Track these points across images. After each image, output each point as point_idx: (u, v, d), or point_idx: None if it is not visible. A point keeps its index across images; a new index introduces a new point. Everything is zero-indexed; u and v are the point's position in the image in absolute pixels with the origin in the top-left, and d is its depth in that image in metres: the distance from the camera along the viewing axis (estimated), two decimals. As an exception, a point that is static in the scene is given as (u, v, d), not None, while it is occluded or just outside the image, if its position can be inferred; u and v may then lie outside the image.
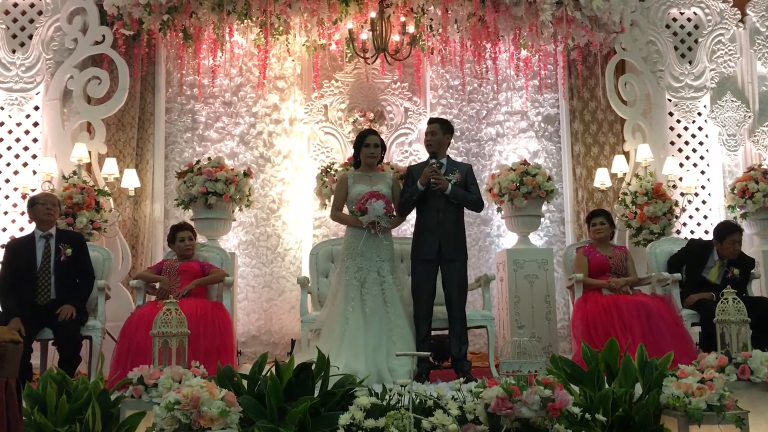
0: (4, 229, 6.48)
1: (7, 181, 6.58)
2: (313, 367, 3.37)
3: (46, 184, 6.21)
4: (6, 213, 6.52)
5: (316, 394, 3.26)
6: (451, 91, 7.30)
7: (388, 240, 4.91)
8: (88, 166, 6.43)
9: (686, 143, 7.33)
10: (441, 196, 4.76)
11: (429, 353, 4.31)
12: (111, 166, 6.35)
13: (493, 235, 7.15)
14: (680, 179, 7.01)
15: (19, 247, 5.06)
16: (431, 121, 5.06)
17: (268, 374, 3.28)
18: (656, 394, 3.23)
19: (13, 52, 6.68)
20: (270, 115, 7.09)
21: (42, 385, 3.28)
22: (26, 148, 6.66)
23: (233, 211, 6.29)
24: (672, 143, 7.29)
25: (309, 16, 6.23)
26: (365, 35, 6.46)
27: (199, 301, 5.05)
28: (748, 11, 7.34)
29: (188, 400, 2.88)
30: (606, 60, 7.07)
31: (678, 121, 7.32)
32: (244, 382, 3.35)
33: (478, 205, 4.98)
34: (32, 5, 6.82)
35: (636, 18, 7.11)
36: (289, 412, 3.05)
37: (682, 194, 6.80)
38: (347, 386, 3.35)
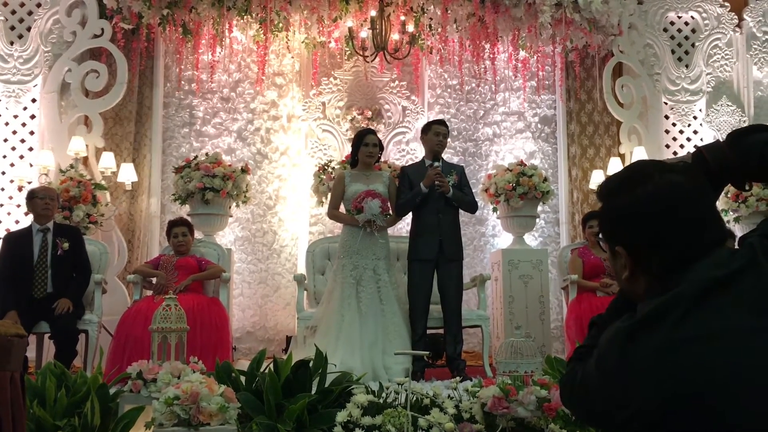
0: (0, 222, 6.47)
1: (3, 173, 6.56)
2: (311, 364, 3.39)
3: (43, 177, 6.20)
4: (2, 205, 6.50)
5: (313, 391, 3.28)
6: (449, 90, 7.31)
7: (384, 238, 4.93)
8: (85, 160, 6.43)
9: (681, 146, 7.37)
10: (441, 197, 4.81)
11: (427, 352, 4.34)
12: (108, 160, 6.35)
13: (489, 235, 7.18)
14: (675, 182, 7.04)
15: (16, 240, 5.07)
16: (443, 123, 5.11)
17: (267, 371, 3.30)
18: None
19: (11, 43, 6.66)
20: (268, 111, 7.08)
21: (41, 378, 3.28)
22: (23, 141, 6.64)
23: (230, 207, 6.29)
24: (667, 146, 7.33)
25: (309, 13, 6.26)
26: (365, 33, 6.47)
27: (196, 296, 5.06)
28: (745, 16, 7.38)
29: (187, 395, 2.89)
30: (603, 62, 7.10)
31: (674, 125, 7.37)
32: (242, 378, 3.37)
33: (474, 207, 5.08)
34: (31, -3, 6.80)
35: (634, 21, 7.14)
36: (287, 409, 3.07)
37: (677, 197, 6.84)
38: (345, 384, 3.38)
